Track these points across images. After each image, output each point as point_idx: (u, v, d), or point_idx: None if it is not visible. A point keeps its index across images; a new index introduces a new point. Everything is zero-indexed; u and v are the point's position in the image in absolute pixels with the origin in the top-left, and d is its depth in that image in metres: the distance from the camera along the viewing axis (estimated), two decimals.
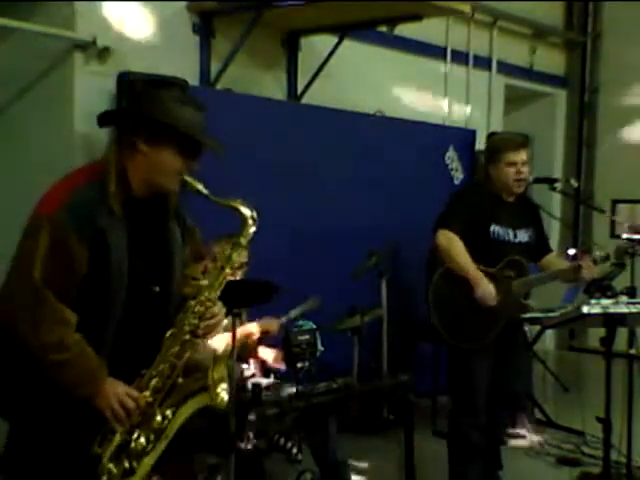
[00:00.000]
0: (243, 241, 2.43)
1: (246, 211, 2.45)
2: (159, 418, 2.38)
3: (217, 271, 2.43)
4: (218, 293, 2.43)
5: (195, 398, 2.40)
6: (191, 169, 2.44)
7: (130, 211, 2.38)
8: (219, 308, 2.48)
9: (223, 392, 2.40)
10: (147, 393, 2.39)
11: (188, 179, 2.43)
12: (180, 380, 2.42)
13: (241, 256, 2.51)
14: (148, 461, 2.37)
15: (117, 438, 2.36)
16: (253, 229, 2.44)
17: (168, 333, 2.41)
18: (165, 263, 2.48)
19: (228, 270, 2.42)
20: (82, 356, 2.30)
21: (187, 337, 2.41)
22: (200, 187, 2.44)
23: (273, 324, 3.90)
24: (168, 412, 2.39)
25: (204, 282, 2.48)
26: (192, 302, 2.42)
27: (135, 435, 2.37)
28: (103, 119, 2.51)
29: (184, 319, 2.41)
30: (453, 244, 3.99)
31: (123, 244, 2.34)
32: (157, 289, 2.45)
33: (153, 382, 2.39)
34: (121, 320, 2.38)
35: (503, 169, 4.05)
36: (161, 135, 2.37)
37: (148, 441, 2.37)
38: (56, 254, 2.25)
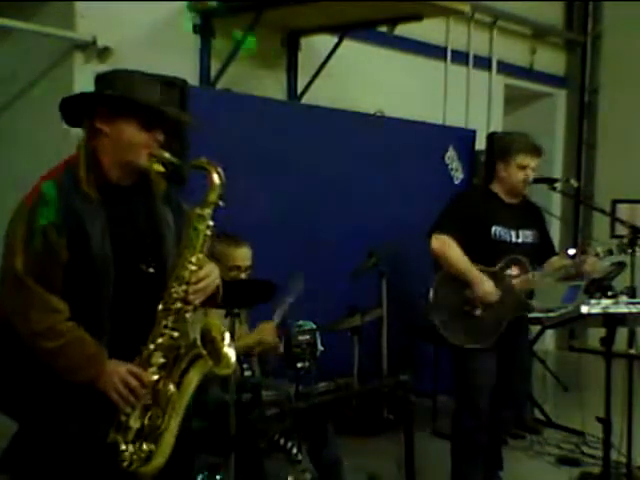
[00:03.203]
0: (213, 196, 2.42)
1: (209, 166, 2.44)
2: (166, 393, 2.37)
3: (192, 232, 2.41)
4: (200, 256, 2.40)
5: (195, 367, 2.38)
6: (157, 141, 2.44)
7: (110, 197, 2.40)
8: (207, 272, 2.43)
9: (225, 347, 2.39)
10: (153, 369, 2.37)
11: (155, 151, 2.43)
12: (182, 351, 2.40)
13: (210, 213, 2.45)
14: (167, 441, 2.35)
15: (131, 421, 2.35)
16: (219, 182, 2.42)
17: (160, 306, 2.39)
18: (156, 246, 2.48)
19: (202, 227, 2.40)
20: (77, 342, 2.30)
21: (178, 305, 2.38)
22: (167, 156, 2.45)
23: (269, 332, 3.84)
24: (171, 387, 2.37)
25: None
26: (176, 269, 2.41)
27: (147, 415, 2.36)
28: (65, 113, 2.51)
29: (170, 287, 2.39)
30: (447, 247, 3.98)
31: (103, 228, 2.35)
32: (151, 270, 2.44)
33: (155, 357, 2.37)
34: (118, 304, 2.37)
35: (513, 170, 4.04)
36: (118, 110, 2.39)
37: (161, 419, 2.36)
38: (34, 245, 2.28)
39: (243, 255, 3.85)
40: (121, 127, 2.39)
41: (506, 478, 4.42)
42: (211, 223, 2.42)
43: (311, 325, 3.74)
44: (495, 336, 4.00)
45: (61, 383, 2.33)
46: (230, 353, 2.40)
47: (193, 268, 2.39)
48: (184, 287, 2.38)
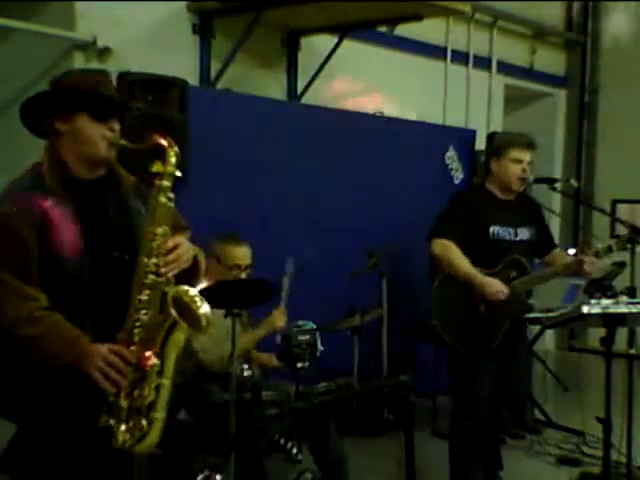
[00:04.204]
0: (170, 168, 2.42)
1: (163, 141, 2.44)
2: (150, 366, 2.36)
3: (154, 204, 2.41)
4: (167, 228, 2.40)
5: (174, 335, 2.37)
6: (113, 130, 2.47)
7: (77, 191, 2.44)
8: (175, 242, 2.43)
9: (200, 308, 2.38)
10: (134, 347, 2.36)
11: (113, 140, 2.47)
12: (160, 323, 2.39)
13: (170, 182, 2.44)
14: (159, 415, 2.35)
15: (121, 401, 2.35)
16: (174, 154, 2.43)
17: (133, 282, 2.39)
18: (128, 235, 2.49)
19: (163, 198, 2.40)
20: (56, 326, 2.33)
21: (150, 278, 2.38)
22: (124, 142, 2.50)
23: (279, 317, 3.85)
24: (154, 358, 2.36)
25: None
26: (143, 243, 2.41)
27: (135, 391, 2.36)
28: (27, 122, 2.57)
29: (140, 261, 2.39)
30: (449, 251, 3.97)
31: (71, 220, 2.38)
32: (126, 257, 2.46)
33: (135, 334, 2.37)
34: (97, 293, 2.39)
35: (507, 164, 4.04)
36: (70, 108, 2.44)
37: (148, 392, 2.35)
38: (5, 240, 2.34)
39: (243, 254, 3.87)
40: (75, 123, 2.44)
41: (506, 478, 4.42)
42: (172, 195, 2.42)
43: (311, 325, 3.74)
44: (498, 339, 3.99)
45: (47, 377, 2.34)
46: (206, 312, 2.39)
47: (160, 240, 2.39)
48: (154, 260, 2.39)
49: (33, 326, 2.31)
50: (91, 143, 2.44)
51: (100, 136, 2.45)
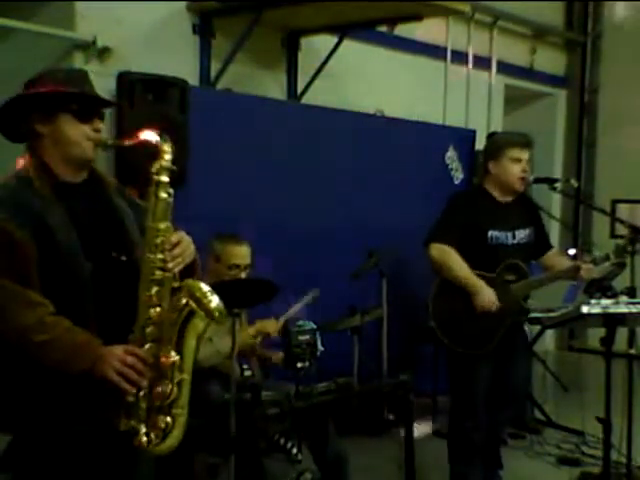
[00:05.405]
0: (165, 162, 2.39)
1: (153, 137, 2.41)
2: (169, 361, 2.33)
3: (155, 200, 2.38)
4: (166, 223, 2.37)
5: (191, 327, 2.34)
6: (97, 130, 2.43)
7: (65, 194, 2.40)
8: (178, 237, 2.41)
9: (212, 302, 2.34)
10: (149, 345, 2.34)
11: (100, 140, 2.45)
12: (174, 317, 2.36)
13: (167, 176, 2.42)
14: (182, 411, 2.33)
15: (140, 402, 2.31)
16: (168, 149, 2.41)
17: (140, 279, 2.36)
18: (121, 235, 2.47)
19: (163, 194, 2.38)
20: (67, 332, 2.27)
21: (158, 274, 2.35)
22: (110, 142, 2.54)
23: (271, 325, 3.86)
24: (172, 353, 2.33)
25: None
26: (147, 239, 2.38)
27: (155, 390, 2.32)
28: (3, 127, 2.51)
29: (146, 257, 2.36)
30: (447, 256, 3.97)
31: (65, 221, 2.34)
32: (124, 258, 2.43)
33: (148, 332, 2.34)
34: (99, 294, 2.35)
35: (507, 165, 4.03)
36: (51, 109, 2.39)
37: (170, 389, 2.32)
38: (1, 244, 2.27)
39: (243, 253, 3.88)
40: (58, 125, 2.39)
41: (506, 478, 4.42)
42: (171, 190, 2.39)
43: (311, 325, 3.74)
44: (495, 341, 4.00)
45: (57, 386, 2.30)
46: (219, 304, 2.35)
47: (164, 235, 2.36)
48: (160, 255, 2.35)
49: (44, 332, 2.24)
50: (75, 144, 2.40)
51: (84, 136, 2.40)
